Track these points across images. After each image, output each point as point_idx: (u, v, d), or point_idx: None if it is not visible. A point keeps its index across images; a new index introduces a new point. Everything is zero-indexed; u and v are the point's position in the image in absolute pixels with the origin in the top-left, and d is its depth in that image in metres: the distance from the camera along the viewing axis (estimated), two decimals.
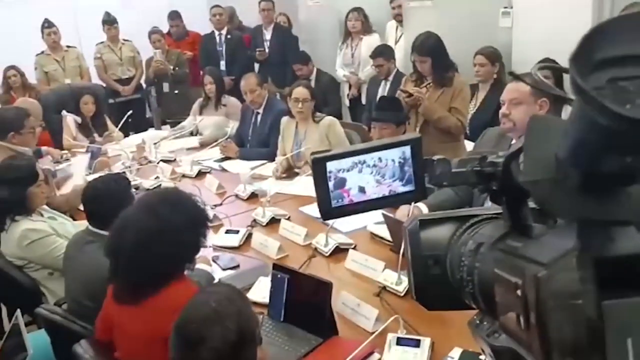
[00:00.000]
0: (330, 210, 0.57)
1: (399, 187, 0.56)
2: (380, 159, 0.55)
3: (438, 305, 0.59)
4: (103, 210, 2.22)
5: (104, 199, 2.24)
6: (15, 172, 2.71)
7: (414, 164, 0.55)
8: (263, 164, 4.06)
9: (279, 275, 2.14)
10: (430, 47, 3.56)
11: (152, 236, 1.71)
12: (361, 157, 0.55)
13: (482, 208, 0.59)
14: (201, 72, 5.51)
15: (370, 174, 0.56)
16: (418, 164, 0.55)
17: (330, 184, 0.56)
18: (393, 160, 0.55)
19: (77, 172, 3.99)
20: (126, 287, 1.76)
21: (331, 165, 0.55)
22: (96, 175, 3.75)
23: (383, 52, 4.82)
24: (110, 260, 1.78)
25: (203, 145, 4.57)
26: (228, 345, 1.26)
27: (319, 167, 0.55)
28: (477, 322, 0.52)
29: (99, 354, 1.78)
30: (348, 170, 0.56)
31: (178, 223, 1.74)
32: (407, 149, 0.55)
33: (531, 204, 0.47)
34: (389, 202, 0.57)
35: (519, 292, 0.39)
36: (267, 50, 6.25)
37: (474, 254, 0.50)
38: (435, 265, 0.57)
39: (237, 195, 3.50)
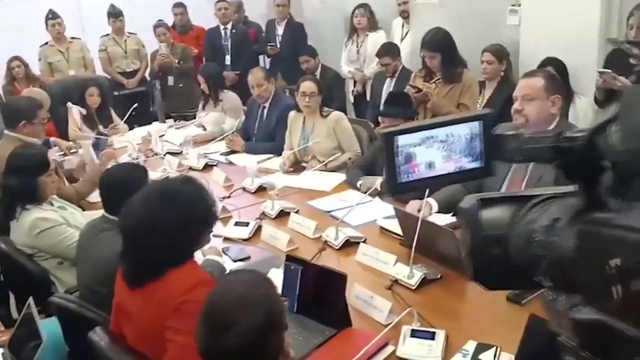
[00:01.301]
0: (397, 186, 0.57)
1: (467, 163, 0.56)
2: (450, 134, 0.55)
3: (498, 285, 0.59)
4: (119, 197, 2.21)
5: (121, 187, 2.24)
6: (26, 161, 2.71)
7: (483, 139, 0.55)
8: (269, 158, 4.05)
9: (292, 267, 2.14)
10: (439, 43, 3.57)
11: (147, 224, 1.74)
12: (431, 132, 0.55)
13: (539, 189, 0.59)
14: None
15: (438, 150, 0.56)
16: (488, 140, 0.55)
17: (399, 159, 0.56)
18: (463, 136, 0.55)
19: (87, 160, 3.98)
20: (130, 269, 1.80)
21: (400, 140, 0.55)
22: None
23: (389, 51, 4.82)
24: (122, 243, 1.82)
25: (201, 142, 4.54)
26: (256, 330, 1.27)
27: (388, 142, 0.55)
28: (551, 297, 0.52)
29: (114, 342, 1.77)
30: (417, 145, 0.56)
31: (174, 215, 1.75)
32: (477, 125, 0.55)
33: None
34: (457, 178, 0.57)
35: (615, 261, 0.39)
36: (278, 45, 6.23)
37: (549, 230, 0.50)
38: (496, 245, 0.57)
39: (244, 189, 3.50)
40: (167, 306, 1.70)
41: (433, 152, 0.56)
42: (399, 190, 0.58)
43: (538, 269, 0.53)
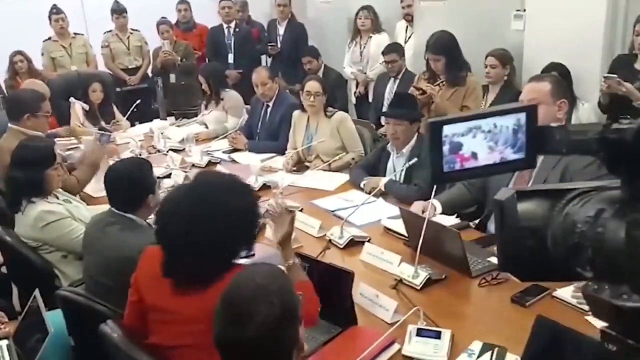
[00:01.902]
0: (441, 175, 0.58)
1: (510, 154, 0.57)
2: (495, 125, 0.56)
3: (531, 276, 0.60)
4: (125, 192, 2.22)
5: (127, 182, 2.24)
6: (33, 153, 2.71)
7: (527, 131, 0.56)
8: (273, 157, 4.06)
9: (299, 262, 2.15)
10: (444, 46, 3.58)
11: (203, 222, 1.64)
12: (477, 123, 0.56)
13: (574, 183, 0.60)
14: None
15: (483, 140, 0.57)
16: (531, 131, 0.56)
17: (445, 148, 0.57)
18: (507, 127, 0.56)
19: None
20: (188, 276, 1.66)
21: (447, 129, 0.56)
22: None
23: (396, 49, 4.86)
24: (164, 249, 1.71)
25: (204, 140, 4.55)
26: (273, 321, 1.27)
27: (434, 130, 0.56)
28: (595, 287, 0.53)
29: (126, 334, 1.77)
30: (463, 135, 0.56)
31: (233, 208, 1.68)
32: (522, 116, 0.56)
33: None
34: (499, 169, 0.58)
35: None
36: (279, 45, 6.25)
37: (594, 221, 0.51)
38: (532, 237, 0.58)
39: None
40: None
41: (478, 142, 0.57)
42: (442, 179, 0.59)
43: (579, 259, 0.54)
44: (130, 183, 2.26)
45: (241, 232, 1.73)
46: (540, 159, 2.53)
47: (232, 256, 1.71)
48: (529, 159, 0.58)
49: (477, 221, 2.81)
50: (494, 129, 0.56)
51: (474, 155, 0.57)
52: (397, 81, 4.94)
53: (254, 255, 2.61)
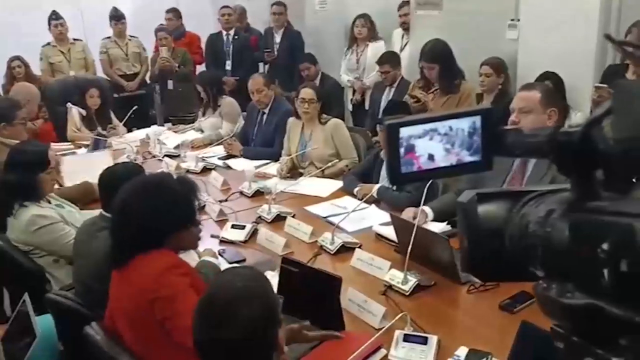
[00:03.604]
0: (399, 177, 0.59)
1: (466, 157, 0.58)
2: (451, 128, 0.57)
3: (494, 277, 0.61)
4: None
5: (119, 186, 2.25)
6: (26, 157, 2.72)
7: (482, 134, 0.57)
8: (267, 163, 4.08)
9: (288, 269, 2.16)
10: (438, 54, 3.60)
11: (126, 205, 1.89)
12: (433, 125, 0.58)
13: (535, 186, 0.62)
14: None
15: (439, 142, 0.58)
16: (487, 134, 0.57)
17: (402, 150, 0.58)
18: (463, 130, 0.57)
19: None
20: (112, 248, 1.93)
21: (404, 131, 0.58)
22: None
23: (390, 59, 4.87)
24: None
25: (199, 146, 4.56)
26: (253, 325, 1.28)
27: (392, 132, 0.58)
28: (544, 285, 0.54)
29: (109, 336, 1.78)
30: (419, 137, 0.58)
31: (151, 203, 1.88)
32: (477, 119, 0.57)
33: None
34: (456, 171, 0.60)
35: (606, 245, 0.41)
36: (276, 52, 6.29)
37: (544, 221, 0.53)
38: (492, 238, 0.59)
39: (241, 192, 3.52)
40: (144, 295, 1.79)
41: (434, 144, 0.58)
42: (400, 180, 0.60)
43: (532, 259, 0.55)
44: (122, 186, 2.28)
45: (162, 224, 1.88)
46: (530, 167, 2.55)
47: (147, 242, 1.87)
48: (485, 162, 0.59)
49: None
50: (450, 132, 0.57)
51: (431, 157, 0.58)
52: (393, 89, 4.96)
53: (244, 260, 2.65)
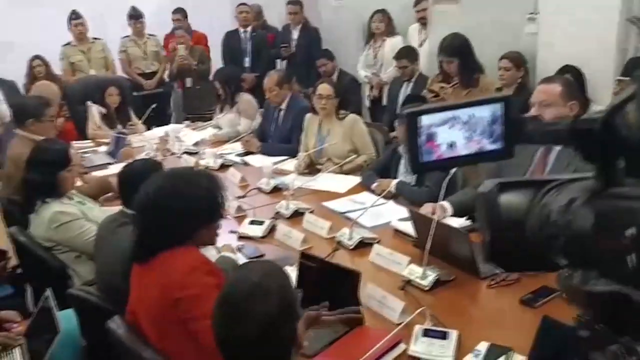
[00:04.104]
0: (418, 165, 0.59)
1: (487, 145, 0.58)
2: (472, 116, 0.57)
3: (516, 267, 0.61)
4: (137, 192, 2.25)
5: (139, 182, 2.27)
6: (48, 155, 2.76)
7: (504, 122, 0.57)
8: (285, 160, 4.09)
9: (306, 264, 2.16)
10: (457, 48, 3.58)
11: (153, 199, 1.85)
12: (454, 113, 0.57)
13: (556, 175, 0.61)
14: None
15: (460, 130, 0.58)
16: (508, 122, 0.57)
17: (422, 139, 0.58)
18: (484, 117, 0.57)
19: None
20: (135, 243, 1.89)
21: (424, 120, 0.57)
22: (121, 164, 3.81)
23: (407, 54, 4.85)
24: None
25: (217, 143, 4.59)
26: (271, 319, 1.28)
27: (411, 121, 0.57)
28: (568, 274, 0.54)
29: (132, 331, 1.80)
30: (439, 125, 0.57)
31: (180, 198, 1.84)
32: (499, 107, 0.56)
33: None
34: (477, 159, 0.59)
35: (631, 231, 0.40)
36: (293, 48, 6.30)
37: (566, 209, 0.52)
38: (514, 228, 0.59)
39: (259, 189, 3.53)
40: (168, 293, 1.77)
41: (455, 132, 0.58)
42: (420, 169, 0.60)
43: (554, 248, 0.54)
44: (142, 182, 2.29)
45: (186, 221, 1.85)
46: (551, 160, 2.52)
47: (178, 237, 1.84)
48: (506, 150, 0.59)
49: None
50: (471, 120, 0.57)
51: (451, 146, 0.58)
52: (411, 84, 4.94)
53: (263, 256, 2.66)
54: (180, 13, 6.72)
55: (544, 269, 0.59)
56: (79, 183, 3.40)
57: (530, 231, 0.57)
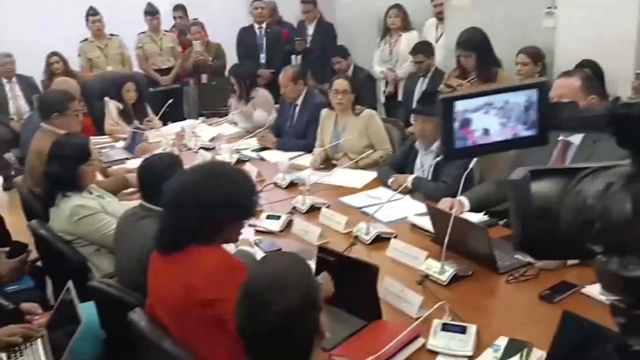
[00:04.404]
0: (453, 151, 0.59)
1: (522, 131, 0.58)
2: (507, 101, 0.57)
3: (548, 255, 0.60)
4: (157, 186, 2.27)
5: (159, 176, 2.28)
6: (68, 149, 2.79)
7: (539, 108, 0.57)
8: (301, 155, 4.09)
9: (324, 258, 2.17)
10: (475, 43, 3.56)
11: (188, 191, 1.81)
12: (489, 99, 0.57)
13: (589, 163, 0.61)
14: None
15: (495, 116, 0.57)
16: (543, 108, 0.56)
17: (456, 125, 0.58)
18: (519, 103, 0.57)
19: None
20: (161, 234, 1.86)
21: (459, 105, 0.57)
22: (138, 160, 3.85)
23: (423, 49, 4.84)
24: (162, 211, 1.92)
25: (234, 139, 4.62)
26: (293, 309, 1.29)
27: (446, 107, 0.57)
28: (604, 260, 0.53)
29: (152, 323, 1.82)
30: (475, 111, 0.57)
31: (216, 191, 1.81)
32: (534, 93, 0.56)
33: None
34: (512, 145, 0.59)
35: None
36: (308, 44, 6.30)
37: (603, 195, 0.52)
38: (545, 215, 0.59)
39: (276, 184, 3.54)
40: (195, 292, 1.74)
41: (490, 118, 0.58)
42: (454, 155, 0.60)
43: (589, 235, 0.54)
44: (161, 177, 2.30)
45: (222, 216, 1.83)
46: (570, 155, 2.50)
47: (205, 234, 1.81)
48: (540, 136, 0.59)
49: (505, 219, 2.78)
50: (506, 105, 0.57)
51: (486, 132, 0.58)
52: (427, 80, 4.92)
53: (280, 250, 2.67)
54: (181, 10, 6.76)
55: (577, 257, 0.59)
56: (99, 177, 3.45)
57: (564, 218, 0.57)
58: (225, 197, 1.81)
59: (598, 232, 0.53)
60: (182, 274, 1.78)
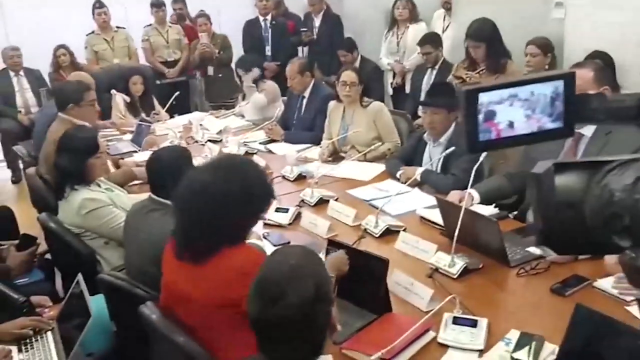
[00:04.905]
0: (477, 144, 0.57)
1: (548, 123, 0.56)
2: (532, 93, 0.55)
3: (572, 249, 0.59)
4: (166, 179, 2.27)
5: (168, 169, 2.28)
6: (76, 142, 2.79)
7: (565, 99, 0.55)
8: (308, 147, 4.08)
9: (333, 251, 2.16)
10: (485, 33, 3.53)
11: (211, 194, 1.73)
12: (514, 90, 0.56)
13: (613, 156, 0.59)
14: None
15: (520, 108, 0.56)
16: (569, 100, 0.55)
17: (480, 117, 0.56)
18: (545, 95, 0.55)
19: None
20: (185, 244, 1.79)
21: (483, 97, 0.56)
22: (145, 152, 3.86)
23: (431, 40, 4.81)
24: (177, 218, 1.83)
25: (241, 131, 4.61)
26: (306, 302, 1.29)
27: (470, 98, 0.56)
28: (633, 255, 0.52)
29: (164, 316, 1.81)
30: (499, 103, 0.56)
31: (239, 189, 1.76)
32: (560, 84, 0.55)
33: None
34: (537, 138, 0.58)
35: None
36: (315, 36, 6.27)
37: (632, 188, 0.51)
38: (569, 209, 0.57)
39: (284, 177, 3.53)
40: (228, 293, 1.70)
41: (515, 110, 0.56)
42: (477, 148, 0.59)
43: (617, 229, 0.53)
44: (171, 170, 2.30)
45: (243, 213, 1.79)
46: (582, 147, 2.48)
47: (232, 234, 1.77)
48: (567, 128, 0.57)
49: (515, 212, 2.77)
50: (531, 97, 0.55)
51: (511, 124, 0.56)
52: (435, 71, 4.89)
53: (289, 243, 2.66)
54: (181, 2, 6.75)
55: (600, 252, 0.57)
56: (112, 169, 3.47)
57: (589, 212, 0.56)
58: (243, 196, 1.76)
59: (626, 227, 0.52)
60: (214, 276, 1.73)
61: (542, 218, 0.60)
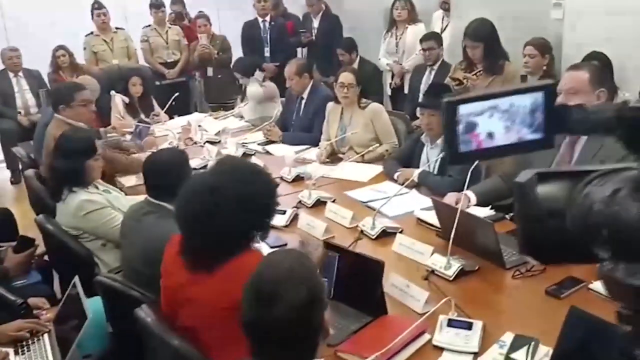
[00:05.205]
0: (457, 156, 0.58)
1: (527, 135, 0.57)
2: (512, 104, 0.56)
3: (554, 259, 0.59)
4: (163, 182, 2.27)
5: (164, 172, 2.29)
6: (74, 144, 2.79)
7: (545, 110, 0.56)
8: (307, 149, 4.08)
9: (329, 254, 2.16)
10: (483, 33, 3.53)
11: (228, 203, 1.70)
12: (493, 102, 0.56)
13: (595, 165, 0.59)
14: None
15: (500, 120, 0.56)
16: (549, 111, 0.55)
17: (460, 128, 0.57)
18: (525, 106, 0.56)
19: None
20: (199, 254, 1.76)
21: (463, 109, 0.56)
22: (145, 154, 3.86)
23: (434, 37, 4.83)
24: (182, 228, 1.80)
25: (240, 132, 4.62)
26: (300, 305, 1.29)
27: (449, 110, 0.56)
28: (610, 266, 0.53)
29: (160, 319, 1.82)
30: (479, 115, 0.56)
31: (254, 193, 1.75)
32: (540, 95, 0.55)
33: None
34: (517, 149, 0.58)
35: None
36: (314, 38, 6.28)
37: (610, 200, 0.51)
38: (551, 218, 0.58)
39: (282, 178, 3.53)
40: (239, 296, 1.66)
41: (494, 122, 0.57)
42: (458, 160, 0.59)
43: (597, 240, 0.53)
44: (167, 172, 2.31)
45: (254, 218, 1.78)
46: (578, 149, 2.48)
47: (242, 241, 1.76)
48: (547, 139, 0.58)
49: (512, 214, 2.77)
50: (511, 109, 0.56)
51: (490, 135, 0.57)
52: (434, 72, 4.89)
53: (286, 245, 2.66)
54: (179, 3, 6.75)
55: (582, 261, 0.58)
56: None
57: (571, 222, 0.56)
58: (256, 201, 1.75)
59: (605, 238, 0.52)
60: (225, 281, 1.70)
61: (525, 227, 0.61)
